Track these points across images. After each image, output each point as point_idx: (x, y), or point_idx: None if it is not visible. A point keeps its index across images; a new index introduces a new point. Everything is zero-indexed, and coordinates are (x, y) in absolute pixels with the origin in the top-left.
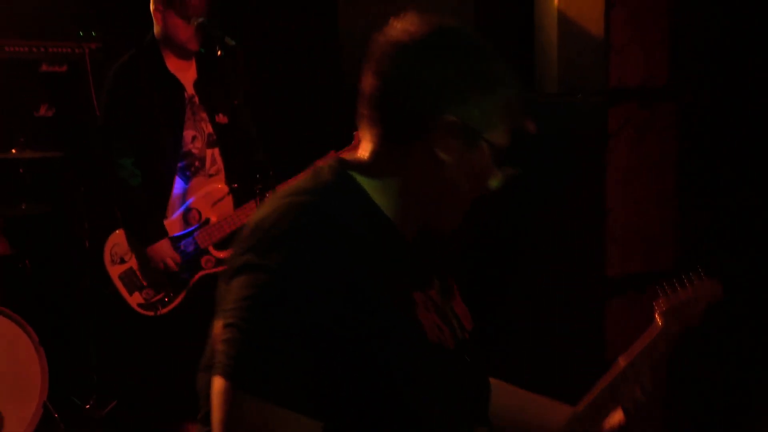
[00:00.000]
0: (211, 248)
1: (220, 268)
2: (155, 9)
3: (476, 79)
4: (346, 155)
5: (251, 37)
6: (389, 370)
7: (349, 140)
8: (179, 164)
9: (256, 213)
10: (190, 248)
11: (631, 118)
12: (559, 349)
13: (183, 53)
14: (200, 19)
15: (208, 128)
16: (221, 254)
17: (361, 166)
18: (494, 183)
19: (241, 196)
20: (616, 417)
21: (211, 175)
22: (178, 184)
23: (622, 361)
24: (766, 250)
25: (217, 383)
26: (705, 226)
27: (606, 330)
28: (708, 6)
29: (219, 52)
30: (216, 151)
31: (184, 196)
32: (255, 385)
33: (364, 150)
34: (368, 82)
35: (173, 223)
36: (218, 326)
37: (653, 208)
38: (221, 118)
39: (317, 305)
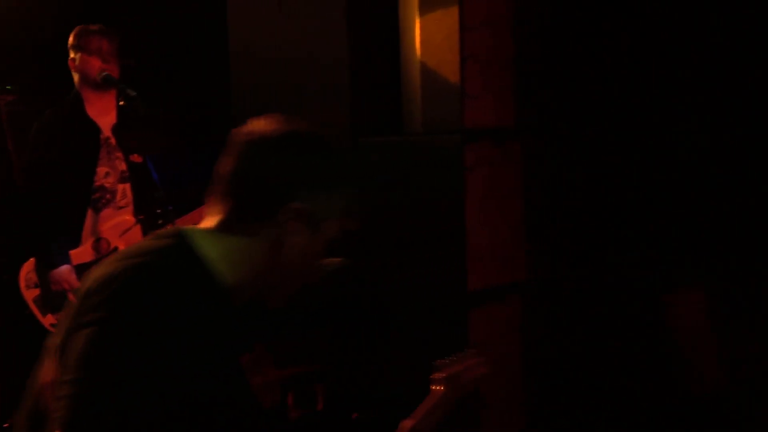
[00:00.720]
0: None
1: None
2: (70, 60)
3: (324, 175)
4: (189, 226)
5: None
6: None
7: None
8: (92, 196)
9: (96, 271)
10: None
11: (484, 154)
12: (430, 355)
13: (102, 93)
14: (104, 73)
15: (122, 166)
16: None
17: (205, 235)
18: (320, 267)
19: (147, 228)
20: None
21: (120, 207)
22: (90, 215)
23: (406, 424)
24: (597, 263)
25: None
26: (548, 243)
27: (470, 336)
28: (546, 59)
29: (121, 102)
30: (127, 186)
31: (95, 226)
32: None
33: (212, 221)
34: (229, 165)
35: (84, 251)
36: (49, 379)
37: (506, 230)
38: (136, 158)
39: (145, 362)
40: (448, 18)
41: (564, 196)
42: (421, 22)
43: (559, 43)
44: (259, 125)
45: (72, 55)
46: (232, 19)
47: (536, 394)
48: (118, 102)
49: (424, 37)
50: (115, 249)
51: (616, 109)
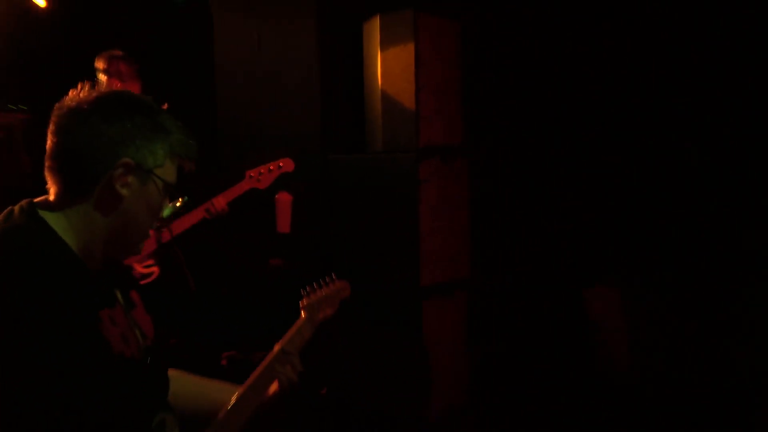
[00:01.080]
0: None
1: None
2: (97, 80)
3: (143, 129)
4: (40, 199)
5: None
6: (78, 379)
7: (240, 177)
8: None
9: None
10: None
11: (436, 169)
12: (388, 342)
13: None
14: None
15: None
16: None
17: (51, 208)
18: (166, 212)
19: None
20: (273, 388)
21: None
22: None
23: (276, 347)
24: (529, 263)
25: None
26: (489, 246)
27: (423, 325)
28: (489, 88)
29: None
30: None
31: None
32: None
33: (54, 195)
34: (51, 142)
35: None
36: None
37: (453, 234)
38: None
39: (12, 331)
40: (406, 53)
41: (502, 205)
42: (382, 56)
43: (500, 75)
44: (68, 99)
45: (99, 77)
46: (218, 55)
47: (478, 368)
48: None
49: (385, 69)
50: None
51: (545, 131)
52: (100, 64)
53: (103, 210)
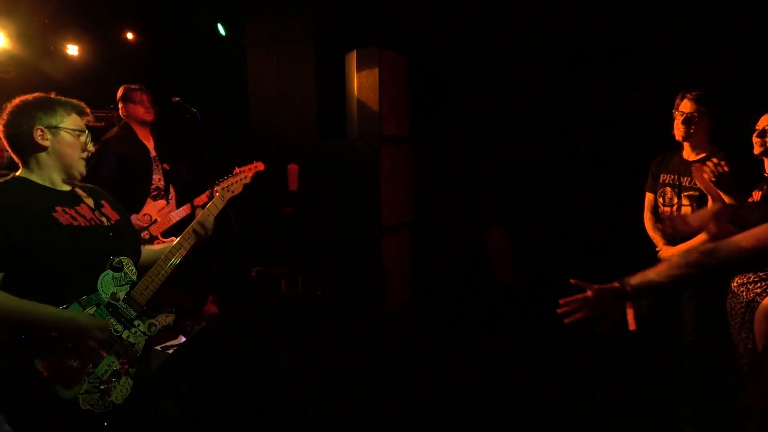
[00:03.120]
0: (159, 235)
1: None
2: (120, 109)
3: (43, 107)
4: (18, 172)
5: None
6: (36, 244)
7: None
8: (151, 192)
9: None
10: (147, 237)
11: (391, 151)
12: (356, 268)
13: (145, 128)
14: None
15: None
16: (165, 239)
17: (25, 171)
18: (88, 144)
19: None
20: (192, 242)
21: (162, 197)
22: (149, 202)
23: (198, 213)
24: (450, 212)
25: None
26: (425, 199)
27: (383, 255)
28: (426, 99)
29: (188, 116)
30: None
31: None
32: None
33: (20, 165)
34: (1, 131)
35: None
36: None
37: (402, 192)
38: (165, 166)
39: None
40: (373, 75)
41: (433, 174)
42: (357, 77)
43: (432, 92)
44: (5, 106)
45: (121, 105)
46: (250, 76)
47: (417, 278)
48: (185, 117)
49: (359, 85)
50: (155, 221)
51: (462, 127)
52: (122, 94)
53: (45, 159)
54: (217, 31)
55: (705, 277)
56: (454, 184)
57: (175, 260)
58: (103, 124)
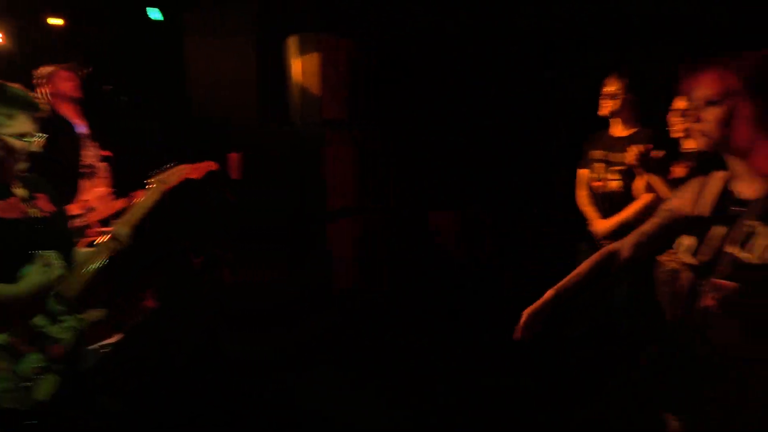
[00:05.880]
0: (97, 223)
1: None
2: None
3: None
4: None
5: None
6: None
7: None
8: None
9: None
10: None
11: (334, 136)
12: (305, 247)
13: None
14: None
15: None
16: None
17: None
18: (32, 147)
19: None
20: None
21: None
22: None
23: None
24: (394, 196)
25: None
26: (367, 185)
27: (329, 236)
28: (366, 84)
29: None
30: (105, 164)
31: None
32: None
33: None
34: None
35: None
36: None
37: (345, 177)
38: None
39: None
40: (314, 60)
41: (375, 159)
42: (298, 62)
43: (372, 76)
44: None
45: (46, 83)
46: (190, 63)
47: (365, 262)
48: (115, 104)
49: (301, 70)
50: (93, 209)
51: (402, 112)
52: (45, 77)
53: None
54: (149, 17)
55: (620, 270)
56: (398, 166)
57: (102, 256)
58: None
